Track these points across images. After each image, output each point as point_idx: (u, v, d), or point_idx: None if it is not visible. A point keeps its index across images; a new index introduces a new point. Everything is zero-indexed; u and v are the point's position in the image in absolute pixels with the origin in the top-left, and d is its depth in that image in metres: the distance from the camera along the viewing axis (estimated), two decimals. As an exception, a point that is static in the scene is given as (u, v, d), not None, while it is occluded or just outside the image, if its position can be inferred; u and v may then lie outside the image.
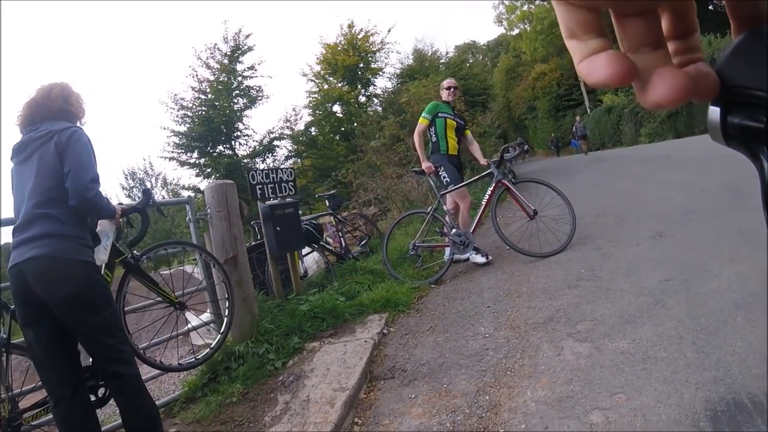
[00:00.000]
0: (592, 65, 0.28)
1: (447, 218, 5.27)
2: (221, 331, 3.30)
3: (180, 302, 3.09)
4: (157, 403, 2.97)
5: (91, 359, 2.45)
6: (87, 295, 2.28)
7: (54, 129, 2.36)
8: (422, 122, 5.59)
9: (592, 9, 0.29)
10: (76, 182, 2.28)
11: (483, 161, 5.44)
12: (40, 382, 2.43)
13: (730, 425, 1.73)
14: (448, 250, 5.16)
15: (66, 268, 2.24)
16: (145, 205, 2.86)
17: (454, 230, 5.09)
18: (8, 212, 2.83)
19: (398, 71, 23.43)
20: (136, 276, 2.87)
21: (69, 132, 2.36)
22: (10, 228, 2.32)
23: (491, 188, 5.04)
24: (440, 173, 5.42)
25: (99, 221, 2.58)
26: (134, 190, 30.10)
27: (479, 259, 5.09)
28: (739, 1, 0.30)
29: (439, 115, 5.56)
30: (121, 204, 2.69)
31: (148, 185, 30.81)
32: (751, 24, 0.30)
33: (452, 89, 5.77)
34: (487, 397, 2.44)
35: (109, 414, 3.45)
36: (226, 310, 3.36)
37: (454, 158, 5.64)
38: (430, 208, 5.43)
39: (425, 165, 5.45)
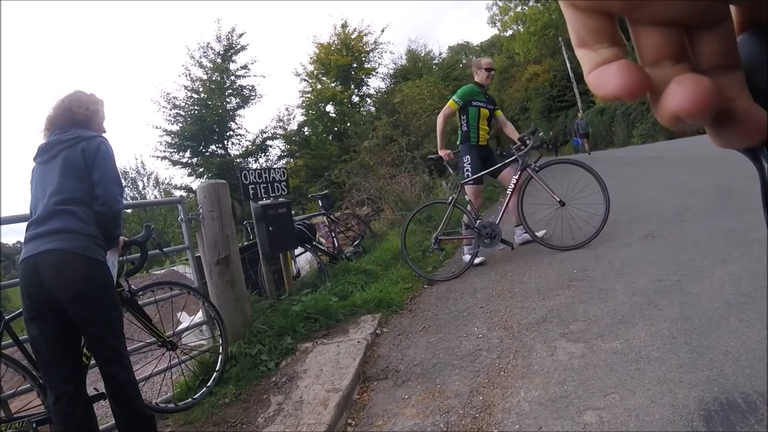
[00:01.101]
0: (602, 76, 0.26)
1: (469, 208, 4.99)
2: (216, 368, 3.29)
3: (171, 342, 3.12)
4: (153, 401, 2.97)
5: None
6: (97, 294, 2.30)
7: (83, 135, 2.44)
8: (451, 106, 5.22)
9: (603, 15, 0.26)
10: (108, 193, 2.39)
11: (518, 138, 4.91)
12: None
13: (723, 425, 1.73)
14: (466, 248, 5.04)
15: (81, 264, 2.26)
16: (146, 239, 2.90)
17: (479, 221, 4.84)
18: (7, 211, 2.85)
19: (391, 71, 23.48)
20: (130, 310, 2.89)
21: (98, 141, 2.45)
22: (9, 226, 2.36)
23: (516, 177, 4.75)
24: (464, 164, 5.15)
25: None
26: (126, 189, 29.95)
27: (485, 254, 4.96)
28: (740, 1, 0.29)
29: (473, 103, 5.15)
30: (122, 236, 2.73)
31: (140, 185, 30.65)
32: (750, 24, 0.29)
33: (491, 72, 5.28)
34: (481, 398, 2.44)
35: (101, 415, 3.42)
36: (220, 347, 3.37)
37: (483, 149, 5.26)
38: (450, 198, 5.11)
39: (443, 152, 5.21)
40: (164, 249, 3.63)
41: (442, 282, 4.84)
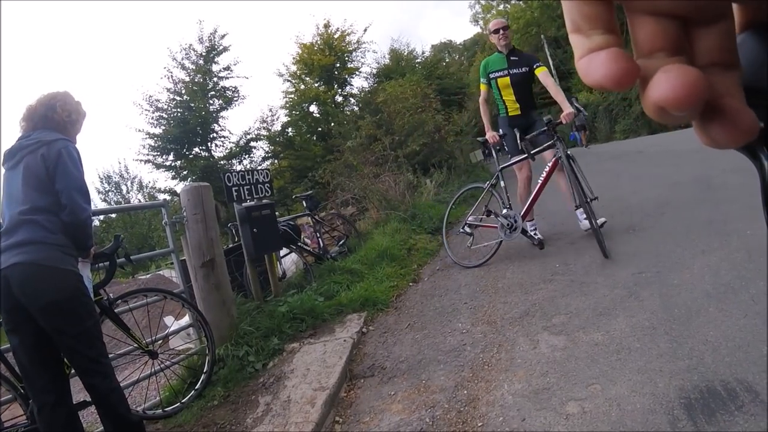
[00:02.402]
0: (590, 63, 0.25)
1: (503, 195, 4.66)
2: (204, 371, 3.26)
3: (151, 351, 3.10)
4: (139, 409, 2.95)
5: None
6: (69, 305, 2.26)
7: (44, 140, 2.36)
8: (481, 88, 5.05)
9: (600, 1, 0.25)
10: (72, 202, 2.30)
11: (566, 110, 4.39)
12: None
13: (703, 413, 1.77)
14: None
15: (49, 275, 2.22)
16: (114, 251, 2.83)
17: (505, 210, 4.59)
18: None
19: (375, 71, 23.48)
20: (110, 318, 2.88)
21: (59, 146, 2.35)
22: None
23: (549, 166, 4.34)
24: (503, 142, 4.88)
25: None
26: (110, 194, 29.68)
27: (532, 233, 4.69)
28: (741, 0, 0.29)
29: (491, 75, 4.92)
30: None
31: (124, 189, 30.37)
32: (752, 24, 0.29)
33: (501, 31, 4.83)
34: (465, 392, 2.46)
35: (91, 422, 3.41)
36: (207, 350, 3.34)
37: (517, 119, 4.90)
38: (488, 182, 4.85)
39: (488, 134, 4.89)
40: (149, 253, 3.60)
41: (419, 280, 4.87)
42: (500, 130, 4.94)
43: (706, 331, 2.31)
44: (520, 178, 4.84)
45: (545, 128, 4.23)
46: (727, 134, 0.25)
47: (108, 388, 2.35)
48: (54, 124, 2.48)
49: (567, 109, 4.37)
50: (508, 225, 4.52)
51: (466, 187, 5.61)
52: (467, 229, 4.96)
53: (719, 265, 3.01)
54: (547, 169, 4.36)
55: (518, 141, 4.61)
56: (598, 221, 4.10)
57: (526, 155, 4.51)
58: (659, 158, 9.35)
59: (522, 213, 4.50)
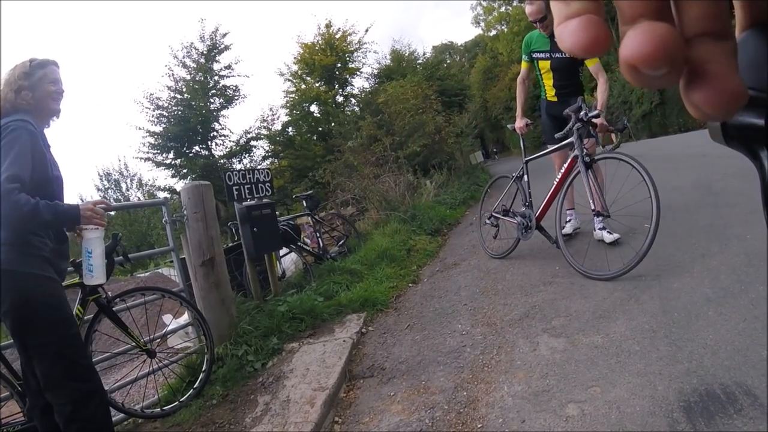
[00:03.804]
0: (564, 30, 0.24)
1: (525, 191, 4.41)
2: (203, 370, 3.25)
3: (149, 350, 3.05)
4: (137, 407, 2.94)
5: None
6: (21, 314, 2.03)
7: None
8: (522, 66, 4.63)
9: None
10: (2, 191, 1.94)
11: (598, 107, 3.80)
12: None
13: (703, 416, 1.77)
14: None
15: None
16: (112, 250, 2.68)
17: (523, 209, 4.37)
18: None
19: (376, 71, 23.42)
20: (108, 316, 2.82)
21: (6, 127, 2.05)
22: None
23: (566, 165, 3.93)
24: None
25: (84, 233, 2.21)
26: (109, 191, 29.65)
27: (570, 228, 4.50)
28: (742, 0, 0.29)
29: (533, 54, 4.46)
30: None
31: (123, 186, 30.36)
32: (752, 23, 0.29)
33: (539, 19, 4.22)
34: (465, 393, 2.47)
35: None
36: (206, 348, 3.32)
37: (553, 106, 4.51)
38: (514, 174, 4.59)
39: (519, 121, 4.62)
40: (148, 251, 3.60)
41: (419, 281, 4.88)
42: (540, 113, 4.72)
43: (705, 334, 2.31)
44: (558, 168, 4.38)
45: (577, 123, 3.71)
46: (707, 99, 0.24)
47: (66, 417, 2.07)
48: (11, 103, 2.17)
49: (598, 107, 3.83)
50: (523, 224, 4.34)
51: (497, 176, 5.47)
52: (493, 221, 4.91)
53: (719, 269, 3.01)
54: (563, 170, 3.98)
55: (552, 131, 4.20)
56: (612, 235, 4.06)
57: (553, 148, 4.18)
58: (659, 162, 9.33)
59: (537, 214, 4.22)
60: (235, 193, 4.47)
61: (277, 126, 21.88)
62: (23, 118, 2.11)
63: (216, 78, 19.71)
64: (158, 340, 3.43)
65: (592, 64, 4.24)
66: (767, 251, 2.96)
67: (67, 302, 2.19)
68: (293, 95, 22.10)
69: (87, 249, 2.22)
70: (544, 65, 4.44)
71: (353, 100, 22.47)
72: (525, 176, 4.46)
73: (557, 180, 4.01)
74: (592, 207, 3.68)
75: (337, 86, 21.89)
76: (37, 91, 2.18)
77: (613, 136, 4.64)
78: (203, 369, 3.23)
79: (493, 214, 4.86)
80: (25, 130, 2.06)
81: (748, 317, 2.33)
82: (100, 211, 2.14)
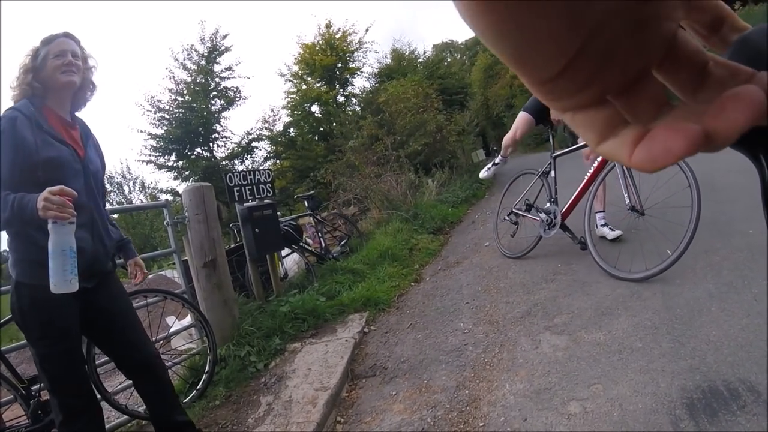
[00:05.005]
0: (655, 146, 0.22)
1: (551, 187, 4.23)
2: (206, 371, 3.24)
3: None
4: (140, 409, 2.93)
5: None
6: (15, 320, 2.01)
7: None
8: None
9: (595, 104, 0.25)
10: None
11: None
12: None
13: (706, 412, 1.77)
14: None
15: None
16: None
17: (548, 205, 4.21)
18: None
19: (376, 71, 23.40)
20: None
21: None
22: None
23: (599, 160, 3.78)
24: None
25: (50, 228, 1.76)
26: (112, 194, 29.69)
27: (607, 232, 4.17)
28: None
29: None
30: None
31: (126, 189, 30.41)
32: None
33: None
34: (467, 392, 2.46)
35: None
36: (208, 350, 3.31)
37: None
38: (540, 169, 4.42)
39: (554, 114, 4.06)
40: (151, 253, 3.59)
41: (420, 280, 4.87)
42: None
43: (708, 330, 2.31)
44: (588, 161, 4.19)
45: None
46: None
47: (57, 426, 2.02)
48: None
49: None
50: (547, 221, 4.19)
51: (520, 172, 5.17)
52: (513, 218, 4.78)
53: (721, 264, 3.00)
54: (594, 165, 3.81)
55: None
56: (614, 232, 4.07)
57: (581, 144, 3.95)
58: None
59: (563, 211, 4.09)
60: (237, 194, 4.47)
61: (279, 127, 21.88)
62: (11, 107, 1.97)
63: (217, 80, 19.71)
64: (162, 341, 3.43)
65: None
66: (767, 251, 2.95)
67: (61, 314, 1.98)
68: (294, 96, 22.08)
69: (61, 248, 1.74)
70: None
71: (354, 100, 22.46)
72: (552, 172, 4.28)
73: (588, 175, 3.85)
74: (627, 201, 3.61)
75: (337, 86, 21.88)
76: (43, 69, 2.04)
77: None
78: (206, 370, 3.23)
79: (514, 210, 4.75)
80: (6, 121, 1.90)
81: (752, 313, 2.33)
82: (56, 200, 1.72)
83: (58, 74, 2.04)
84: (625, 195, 3.61)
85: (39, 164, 1.88)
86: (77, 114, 2.24)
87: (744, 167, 0.29)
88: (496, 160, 4.76)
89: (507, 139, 4.39)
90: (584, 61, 0.22)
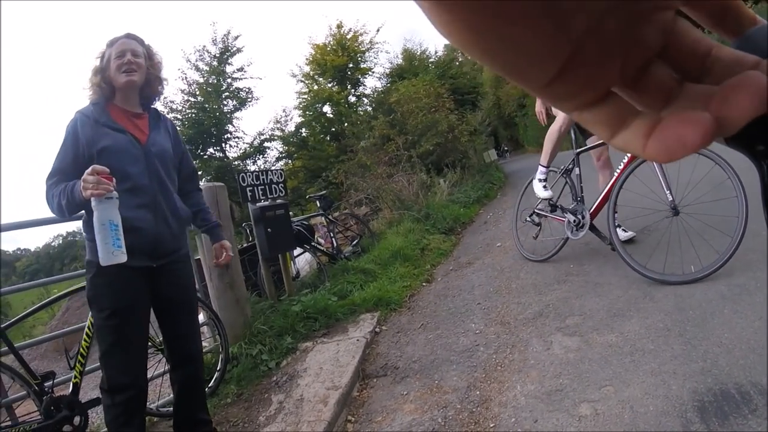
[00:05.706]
0: (668, 138, 0.22)
1: (576, 185, 4.03)
2: (218, 369, 3.25)
3: (164, 349, 3.01)
4: (153, 406, 2.96)
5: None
6: (87, 295, 2.15)
7: None
8: None
9: (601, 100, 0.25)
10: None
11: None
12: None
13: (717, 415, 1.76)
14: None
15: None
16: None
17: (573, 204, 4.01)
18: (8, 218, 2.58)
19: (388, 71, 23.41)
20: None
21: None
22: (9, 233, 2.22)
23: (627, 158, 3.58)
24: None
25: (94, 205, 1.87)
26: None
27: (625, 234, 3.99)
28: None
29: None
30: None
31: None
32: (755, 22, 0.29)
33: None
34: (478, 392, 2.47)
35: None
36: (220, 348, 3.32)
37: None
38: (563, 166, 4.20)
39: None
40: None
41: (432, 281, 4.87)
42: None
43: (720, 332, 2.30)
44: (597, 167, 4.21)
45: None
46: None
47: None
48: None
49: None
50: (575, 222, 3.95)
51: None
52: (535, 219, 4.55)
53: (733, 265, 2.98)
54: (623, 162, 3.62)
55: None
56: (627, 233, 3.99)
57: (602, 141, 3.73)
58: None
59: (591, 210, 3.88)
60: (249, 194, 4.50)
61: (291, 127, 21.99)
62: (77, 111, 2.16)
63: (229, 80, 19.86)
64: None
65: None
66: (767, 252, 2.93)
67: (125, 291, 2.10)
68: (306, 96, 22.15)
69: (101, 222, 1.82)
70: None
71: (366, 100, 22.53)
72: (576, 168, 4.04)
73: (618, 171, 3.64)
74: (670, 198, 3.46)
75: (349, 86, 21.93)
76: (108, 70, 2.19)
77: None
78: (218, 368, 3.25)
79: (536, 210, 4.51)
80: (69, 124, 2.13)
81: (764, 315, 2.31)
82: (91, 179, 1.81)
83: (119, 74, 2.17)
84: (667, 192, 3.46)
85: (95, 154, 2.04)
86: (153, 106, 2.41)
87: (750, 165, 0.29)
88: (541, 176, 4.28)
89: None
90: (580, 63, 0.22)
